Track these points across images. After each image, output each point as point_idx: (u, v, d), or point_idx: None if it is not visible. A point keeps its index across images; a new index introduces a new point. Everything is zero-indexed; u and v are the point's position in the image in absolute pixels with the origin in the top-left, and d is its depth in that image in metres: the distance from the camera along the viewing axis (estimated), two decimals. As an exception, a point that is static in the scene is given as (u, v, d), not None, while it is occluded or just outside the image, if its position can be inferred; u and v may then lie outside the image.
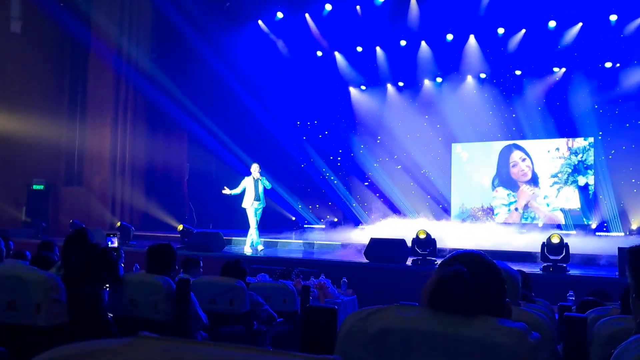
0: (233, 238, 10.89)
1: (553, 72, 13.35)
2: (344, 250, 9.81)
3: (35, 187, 13.99)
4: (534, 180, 13.53)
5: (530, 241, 9.22)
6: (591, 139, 12.94)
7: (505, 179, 13.86)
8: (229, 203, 12.79)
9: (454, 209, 14.26)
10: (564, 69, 13.17)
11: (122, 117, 14.25)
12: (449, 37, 13.86)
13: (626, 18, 12.14)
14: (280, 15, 14.81)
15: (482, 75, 14.05)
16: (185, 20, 13.58)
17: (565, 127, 13.14)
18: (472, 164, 14.29)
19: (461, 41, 13.83)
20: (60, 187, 14.49)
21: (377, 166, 15.02)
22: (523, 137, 13.62)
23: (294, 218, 15.50)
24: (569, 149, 13.20)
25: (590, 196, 12.84)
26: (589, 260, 8.05)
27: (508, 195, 13.78)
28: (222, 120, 14.36)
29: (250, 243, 9.43)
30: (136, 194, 14.07)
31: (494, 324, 1.15)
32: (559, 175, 13.25)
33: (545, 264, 7.05)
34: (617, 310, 2.69)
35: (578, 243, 8.41)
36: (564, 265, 6.96)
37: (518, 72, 13.59)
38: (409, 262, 7.77)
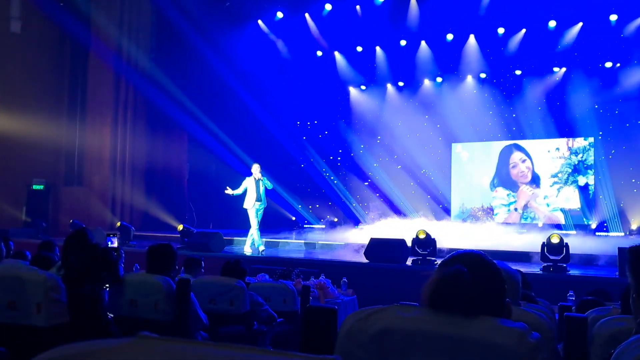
0: (233, 238, 10.88)
1: (553, 72, 13.36)
2: (342, 250, 9.81)
3: (35, 187, 13.99)
4: (533, 181, 13.53)
5: (530, 241, 9.22)
6: (591, 139, 12.94)
7: (505, 179, 13.86)
8: (229, 203, 12.79)
9: (454, 209, 14.27)
10: (564, 69, 13.18)
11: (122, 117, 14.26)
12: (449, 37, 13.86)
13: (626, 18, 12.14)
14: (280, 15, 14.81)
15: (482, 75, 14.05)
16: (185, 20, 13.58)
17: (565, 127, 13.14)
18: (472, 164, 14.29)
19: (461, 41, 13.83)
20: (60, 187, 14.49)
21: (377, 166, 15.02)
22: (523, 137, 13.63)
23: (294, 218, 15.51)
24: (569, 149, 13.21)
25: (590, 196, 12.84)
26: (588, 260, 8.05)
27: (508, 195, 13.78)
28: (222, 120, 14.36)
29: (251, 243, 9.43)
30: (136, 194, 14.07)
31: (494, 324, 1.15)
32: (559, 175, 13.25)
33: (545, 264, 7.04)
34: (617, 310, 2.68)
35: (578, 243, 8.40)
36: (564, 265, 6.96)
37: (518, 72, 13.59)
38: (409, 262, 7.76)
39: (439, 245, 7.78)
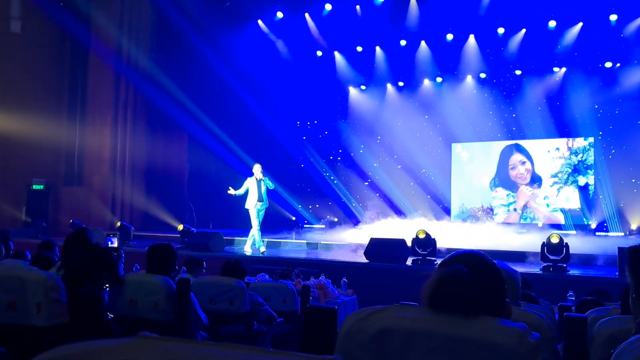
0: (233, 238, 10.88)
1: (553, 72, 13.36)
2: (340, 250, 9.80)
3: (35, 187, 14.00)
4: (533, 182, 13.53)
5: (530, 241, 9.22)
6: (591, 139, 12.94)
7: (505, 179, 13.86)
8: (229, 203, 12.80)
9: (454, 209, 14.27)
10: (564, 69, 13.18)
11: (122, 117, 14.26)
12: (449, 37, 13.86)
13: (626, 18, 12.14)
14: (280, 15, 14.81)
15: (482, 75, 14.06)
16: (185, 20, 13.58)
17: (565, 127, 13.14)
18: (472, 164, 14.29)
19: (461, 41, 13.83)
20: (60, 187, 14.49)
21: (377, 166, 15.01)
22: (523, 137, 13.63)
23: (294, 218, 15.51)
24: (569, 149, 13.21)
25: (590, 196, 12.84)
26: (588, 260, 8.05)
27: (507, 195, 13.78)
28: (222, 120, 14.37)
29: (252, 243, 9.43)
30: (136, 194, 14.07)
31: (494, 324, 1.15)
32: (559, 175, 13.25)
33: (545, 264, 7.04)
34: (617, 310, 2.68)
35: (578, 243, 8.40)
36: (564, 265, 6.96)
37: (518, 72, 13.59)
38: (409, 262, 7.76)
39: (439, 245, 7.78)
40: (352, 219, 14.40)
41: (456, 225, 12.55)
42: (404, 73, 14.67)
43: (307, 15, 14.63)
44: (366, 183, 15.33)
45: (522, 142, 13.71)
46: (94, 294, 3.10)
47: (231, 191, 9.29)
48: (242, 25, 14.81)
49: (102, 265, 3.24)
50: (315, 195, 15.53)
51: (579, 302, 3.73)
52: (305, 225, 14.93)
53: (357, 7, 14.07)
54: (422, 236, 7.76)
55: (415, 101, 14.78)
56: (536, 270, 7.04)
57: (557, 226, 12.45)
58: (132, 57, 14.21)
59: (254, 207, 9.17)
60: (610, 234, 12.03)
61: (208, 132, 14.13)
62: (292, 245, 10.59)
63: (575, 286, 5.79)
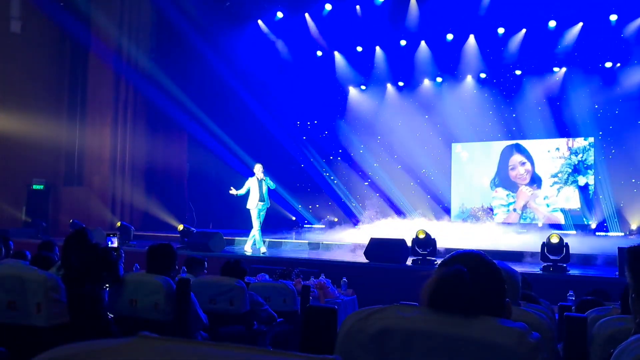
0: (234, 238, 10.88)
1: (553, 72, 13.35)
2: (338, 249, 9.80)
3: (35, 187, 14.00)
4: (533, 182, 13.53)
5: (530, 241, 9.22)
6: (591, 139, 12.94)
7: (505, 179, 13.87)
8: (229, 203, 12.80)
9: (454, 209, 14.27)
10: (564, 69, 13.17)
11: (122, 117, 14.26)
12: (449, 37, 13.87)
13: (626, 18, 12.14)
14: (280, 15, 14.82)
15: (482, 75, 14.05)
16: (185, 20, 13.58)
17: (565, 127, 13.14)
18: (472, 164, 14.29)
19: (461, 41, 13.83)
20: (60, 187, 14.49)
21: (377, 166, 15.01)
22: (523, 137, 13.62)
23: (294, 218, 15.50)
24: (569, 149, 13.20)
25: (590, 196, 12.83)
26: (588, 260, 8.05)
27: (507, 195, 13.78)
28: (222, 120, 14.37)
29: (252, 243, 9.44)
30: (136, 194, 14.07)
31: (494, 324, 1.15)
32: (559, 175, 13.25)
33: (545, 264, 7.04)
34: (617, 310, 2.69)
35: (578, 243, 8.40)
36: (564, 265, 6.96)
37: (518, 72, 13.59)
38: (409, 262, 7.76)
39: (439, 245, 7.78)
40: (352, 219, 14.40)
41: (456, 225, 12.55)
42: (404, 73, 14.67)
43: (307, 15, 14.64)
44: (366, 183, 15.32)
45: (522, 142, 13.71)
46: (94, 294, 3.10)
47: (233, 191, 9.29)
48: (242, 25, 14.81)
49: (102, 265, 3.24)
50: (315, 195, 15.53)
51: (579, 302, 3.73)
52: (305, 225, 14.93)
53: (357, 7, 14.07)
54: (422, 236, 7.76)
55: (415, 101, 14.78)
56: (536, 270, 7.04)
57: (557, 226, 12.45)
58: (132, 57, 14.22)
59: (255, 207, 9.17)
60: (610, 234, 12.02)
61: (208, 132, 14.13)
62: (293, 245, 10.59)
63: (575, 286, 5.79)
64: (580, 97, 12.64)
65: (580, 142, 13.10)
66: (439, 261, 2.24)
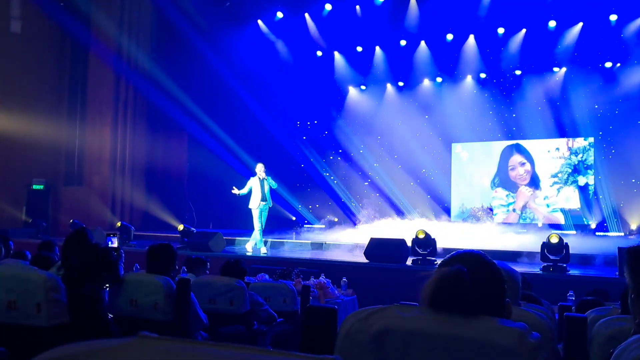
0: (234, 238, 10.88)
1: (553, 72, 13.35)
2: (336, 249, 9.79)
3: (35, 187, 14.00)
4: (533, 182, 13.53)
5: (530, 241, 9.22)
6: (591, 139, 12.94)
7: (505, 179, 13.86)
8: (229, 203, 12.80)
9: (454, 209, 14.26)
10: (564, 69, 13.17)
11: (122, 117, 14.26)
12: (449, 37, 13.86)
13: (626, 18, 12.14)
14: (280, 15, 14.82)
15: (482, 75, 14.05)
16: (185, 20, 13.59)
17: (565, 127, 13.13)
18: (472, 164, 14.28)
19: (461, 41, 13.83)
20: (60, 187, 14.50)
21: (377, 166, 15.01)
22: (523, 137, 13.62)
23: (294, 218, 15.50)
24: (569, 149, 13.20)
25: (590, 196, 12.83)
26: (588, 260, 8.05)
27: (507, 195, 13.78)
28: (222, 120, 14.37)
29: (254, 244, 9.44)
30: (136, 194, 14.07)
31: (494, 324, 1.15)
32: (559, 175, 13.25)
33: (545, 264, 7.05)
34: (617, 310, 2.69)
35: (578, 243, 8.40)
36: (564, 265, 6.96)
37: (518, 72, 13.58)
38: (409, 262, 7.76)
39: (438, 245, 7.78)
40: (352, 219, 14.40)
41: (456, 225, 12.55)
42: (404, 73, 14.67)
43: (307, 15, 14.64)
44: (366, 183, 15.32)
45: (522, 142, 13.70)
46: (94, 294, 3.10)
47: (235, 191, 9.28)
48: (242, 25, 14.81)
49: (102, 265, 3.24)
50: (315, 195, 15.53)
51: (579, 302, 3.73)
52: (305, 225, 14.93)
53: (357, 7, 14.07)
54: (422, 236, 7.76)
55: (415, 101, 14.78)
56: (536, 270, 7.04)
57: (557, 226, 12.45)
58: (132, 57, 14.22)
59: (257, 206, 9.16)
60: (610, 234, 12.02)
61: (208, 132, 14.13)
62: (293, 245, 10.58)
63: (575, 286, 5.79)
64: (580, 97, 12.64)
65: (580, 142, 13.10)
66: (439, 261, 2.25)
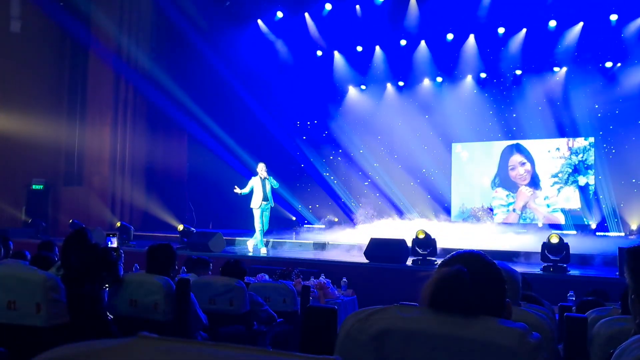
0: (233, 238, 10.88)
1: (553, 72, 13.35)
2: (335, 249, 9.79)
3: (34, 187, 14.00)
4: (533, 182, 13.53)
5: (530, 241, 9.23)
6: (591, 139, 12.94)
7: (505, 179, 13.86)
8: (229, 203, 12.80)
9: (454, 209, 14.26)
10: (564, 69, 13.17)
11: (122, 117, 14.26)
12: (449, 36, 13.86)
13: (626, 18, 12.14)
14: (280, 14, 14.82)
15: (482, 75, 14.05)
16: (185, 20, 13.59)
17: (565, 127, 13.12)
18: (472, 164, 14.28)
19: (461, 41, 13.83)
20: (60, 187, 14.49)
21: (377, 166, 15.01)
22: (523, 137, 13.62)
23: (294, 218, 15.50)
24: (570, 148, 13.20)
25: (591, 196, 12.83)
26: (588, 261, 8.06)
27: (507, 195, 13.78)
28: (222, 120, 14.37)
29: (255, 244, 9.44)
30: (136, 194, 14.07)
31: (495, 325, 1.15)
32: (560, 175, 13.25)
33: (545, 264, 7.05)
34: (617, 310, 2.69)
35: (578, 243, 8.40)
36: (564, 265, 6.96)
37: (518, 72, 13.58)
38: (409, 262, 7.76)
39: (439, 245, 7.78)
40: (352, 219, 14.39)
41: (456, 225, 12.55)
42: (404, 73, 14.67)
43: (307, 15, 14.64)
44: (366, 183, 15.32)
45: (523, 142, 13.70)
46: (94, 294, 3.10)
47: (237, 190, 9.26)
48: (242, 25, 14.81)
49: (101, 265, 3.24)
50: (315, 195, 15.52)
51: (579, 302, 3.73)
52: (305, 225, 14.93)
53: (357, 6, 14.07)
54: (421, 236, 7.76)
55: (415, 101, 14.77)
56: (536, 270, 7.04)
57: (557, 226, 12.45)
58: (132, 57, 14.22)
59: (258, 206, 9.14)
60: (610, 234, 12.02)
61: (208, 132, 14.13)
62: (294, 245, 10.58)
63: (575, 286, 5.79)
64: (580, 97, 12.64)
65: (580, 142, 13.10)
66: (439, 261, 2.24)
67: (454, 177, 14.42)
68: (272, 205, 9.39)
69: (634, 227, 11.97)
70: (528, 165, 13.60)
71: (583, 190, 12.96)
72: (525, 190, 13.56)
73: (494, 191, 13.94)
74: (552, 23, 12.82)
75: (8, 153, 13.26)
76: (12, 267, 3.03)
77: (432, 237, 7.78)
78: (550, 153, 13.37)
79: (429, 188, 14.46)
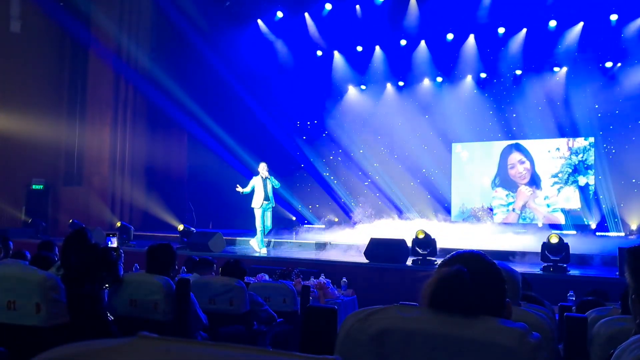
0: (233, 238, 10.87)
1: (553, 71, 13.35)
2: (333, 249, 9.79)
3: (34, 186, 14.00)
4: (533, 182, 13.52)
5: (530, 241, 9.22)
6: (591, 139, 12.93)
7: (505, 179, 13.86)
8: (229, 203, 12.80)
9: (454, 209, 14.26)
10: (564, 69, 13.17)
11: (121, 117, 14.26)
12: (449, 36, 13.86)
13: (626, 18, 12.14)
14: (280, 14, 14.82)
15: (482, 75, 14.04)
16: (185, 19, 13.59)
17: (565, 127, 13.12)
18: (472, 164, 14.28)
19: (461, 41, 13.83)
20: (59, 187, 14.49)
21: (377, 166, 15.00)
22: (523, 137, 13.61)
23: (294, 218, 15.50)
24: (570, 149, 13.20)
25: (591, 196, 12.83)
26: (588, 261, 8.06)
27: (507, 195, 13.78)
28: (222, 120, 14.37)
29: (257, 243, 9.44)
30: (136, 194, 14.07)
31: (495, 324, 1.15)
32: (560, 175, 13.25)
33: (545, 264, 7.05)
34: (618, 310, 2.69)
35: (578, 243, 8.40)
36: (564, 265, 6.96)
37: (518, 72, 13.58)
38: (409, 262, 7.76)
39: (438, 245, 7.78)
40: (352, 219, 14.38)
41: (456, 225, 12.55)
42: (404, 73, 14.66)
43: (307, 15, 14.64)
44: (366, 183, 15.32)
45: (523, 142, 13.70)
46: (94, 294, 3.09)
47: (239, 189, 9.25)
48: (242, 25, 14.81)
49: (101, 265, 3.24)
50: (315, 195, 15.53)
51: (579, 302, 3.73)
52: (305, 225, 14.93)
53: (357, 6, 14.07)
54: (421, 236, 7.76)
55: (415, 101, 14.77)
56: (536, 270, 7.04)
57: (557, 226, 12.45)
58: (132, 57, 14.22)
59: (259, 206, 9.13)
60: (610, 234, 12.01)
61: (208, 132, 14.13)
62: (295, 245, 10.57)
63: (575, 286, 5.79)
64: (580, 97, 12.64)
65: (580, 142, 13.10)
66: (439, 261, 2.24)
67: (454, 177, 14.42)
68: (274, 205, 9.38)
69: (633, 227, 11.97)
70: (527, 164, 13.60)
71: (583, 190, 12.96)
72: (524, 190, 13.56)
73: (494, 191, 13.94)
74: (552, 23, 12.81)
75: (8, 153, 13.26)
76: (12, 267, 3.03)
77: (432, 237, 7.78)
78: (550, 153, 13.37)
79: (429, 188, 14.46)
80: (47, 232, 12.47)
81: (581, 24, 12.51)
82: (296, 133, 15.81)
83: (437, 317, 1.17)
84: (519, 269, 2.89)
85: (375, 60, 14.89)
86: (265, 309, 4.48)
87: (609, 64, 12.57)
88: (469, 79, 14.23)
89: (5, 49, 13.47)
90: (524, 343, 1.11)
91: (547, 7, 12.49)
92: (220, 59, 14.14)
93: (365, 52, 14.85)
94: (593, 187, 12.84)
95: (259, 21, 14.97)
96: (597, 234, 12.04)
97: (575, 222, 12.83)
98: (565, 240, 7.06)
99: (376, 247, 7.92)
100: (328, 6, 14.26)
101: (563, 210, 13.11)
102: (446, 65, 14.17)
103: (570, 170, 13.15)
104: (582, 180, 13.01)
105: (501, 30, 13.36)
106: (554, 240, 7.03)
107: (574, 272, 7.06)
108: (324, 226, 14.04)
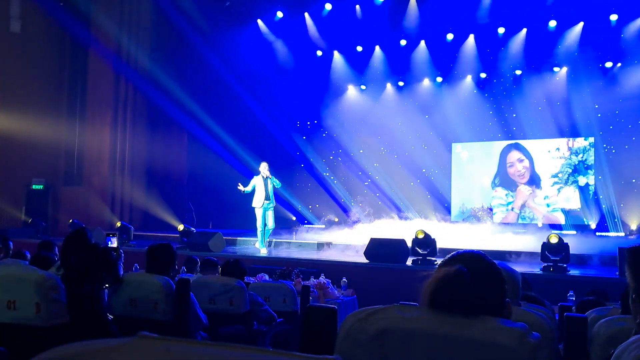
0: (233, 238, 10.87)
1: (553, 71, 13.35)
2: (333, 250, 9.78)
3: (34, 186, 14.00)
4: (533, 181, 13.53)
5: (530, 241, 9.22)
6: (591, 139, 12.94)
7: (505, 179, 13.86)
8: (229, 203, 12.80)
9: (454, 208, 14.26)
10: (564, 69, 13.17)
11: (121, 117, 14.26)
12: (449, 36, 13.86)
13: (626, 18, 12.15)
14: (280, 14, 14.82)
15: (482, 75, 14.05)
16: (185, 19, 13.59)
17: (565, 127, 13.13)
18: (472, 164, 14.28)
19: (461, 41, 13.83)
20: (59, 187, 14.50)
21: (377, 166, 15.00)
22: (523, 137, 13.62)
23: (294, 218, 15.50)
24: (570, 149, 13.20)
25: (591, 196, 12.83)
26: (588, 261, 8.06)
27: (506, 195, 13.78)
28: (222, 120, 14.37)
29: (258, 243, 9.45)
30: (136, 194, 14.07)
31: (495, 324, 1.15)
32: (560, 175, 13.25)
33: (545, 264, 7.05)
34: (618, 310, 2.69)
35: (578, 243, 8.41)
36: (564, 265, 6.96)
37: (518, 72, 13.58)
38: (409, 262, 7.76)
39: (438, 245, 7.78)
40: (350, 218, 14.39)
41: (456, 226, 12.55)
42: (404, 73, 14.66)
43: (306, 15, 14.64)
44: (366, 183, 15.32)
45: (523, 142, 13.70)
46: (94, 293, 3.09)
47: (240, 187, 9.24)
48: (242, 25, 14.81)
49: (101, 265, 3.23)
50: (315, 195, 15.53)
51: (579, 302, 3.73)
52: (305, 225, 14.93)
53: (357, 6, 14.07)
54: (421, 236, 7.76)
55: (415, 101, 14.77)
56: (536, 270, 7.04)
57: (557, 226, 12.46)
58: (132, 57, 14.22)
59: (260, 206, 9.12)
60: (610, 234, 12.02)
61: (208, 132, 14.13)
62: (296, 245, 10.57)
63: (575, 286, 5.79)
64: (580, 97, 12.64)
65: (580, 142, 13.10)
66: (438, 261, 2.24)
67: (454, 177, 14.42)
68: (274, 205, 9.38)
69: (633, 227, 11.97)
70: (526, 162, 13.60)
71: (583, 190, 12.96)
72: (524, 189, 13.56)
73: (494, 191, 13.94)
74: (552, 23, 12.82)
75: (8, 153, 13.26)
76: (12, 267, 3.03)
77: (432, 237, 7.78)
78: (550, 153, 13.37)
79: (429, 188, 14.46)
80: (47, 232, 12.47)
81: (581, 24, 12.51)
82: (296, 133, 15.81)
83: (437, 317, 1.17)
84: (519, 269, 2.89)
85: (375, 60, 14.89)
86: (265, 309, 4.48)
87: (609, 64, 12.58)
88: (468, 79, 14.23)
89: (5, 49, 13.47)
90: (524, 343, 1.11)
91: (547, 7, 12.50)
92: (220, 59, 14.14)
93: (365, 52, 14.85)
94: (593, 187, 12.84)
95: (259, 21, 14.97)
96: (597, 234, 12.05)
97: (575, 222, 12.83)
98: (565, 240, 7.06)
99: (376, 247, 7.92)
100: (328, 6, 14.26)
101: (563, 210, 13.11)
102: (446, 65, 14.17)
103: (570, 170, 13.15)
104: (582, 180, 13.01)
105: (501, 30, 13.36)
106: (554, 240, 7.04)
107: (573, 272, 7.06)
108: (323, 226, 14.05)
